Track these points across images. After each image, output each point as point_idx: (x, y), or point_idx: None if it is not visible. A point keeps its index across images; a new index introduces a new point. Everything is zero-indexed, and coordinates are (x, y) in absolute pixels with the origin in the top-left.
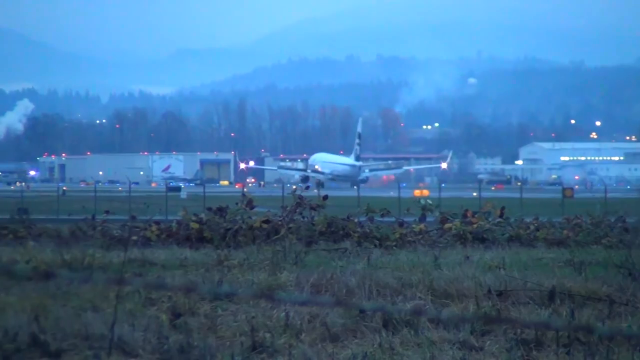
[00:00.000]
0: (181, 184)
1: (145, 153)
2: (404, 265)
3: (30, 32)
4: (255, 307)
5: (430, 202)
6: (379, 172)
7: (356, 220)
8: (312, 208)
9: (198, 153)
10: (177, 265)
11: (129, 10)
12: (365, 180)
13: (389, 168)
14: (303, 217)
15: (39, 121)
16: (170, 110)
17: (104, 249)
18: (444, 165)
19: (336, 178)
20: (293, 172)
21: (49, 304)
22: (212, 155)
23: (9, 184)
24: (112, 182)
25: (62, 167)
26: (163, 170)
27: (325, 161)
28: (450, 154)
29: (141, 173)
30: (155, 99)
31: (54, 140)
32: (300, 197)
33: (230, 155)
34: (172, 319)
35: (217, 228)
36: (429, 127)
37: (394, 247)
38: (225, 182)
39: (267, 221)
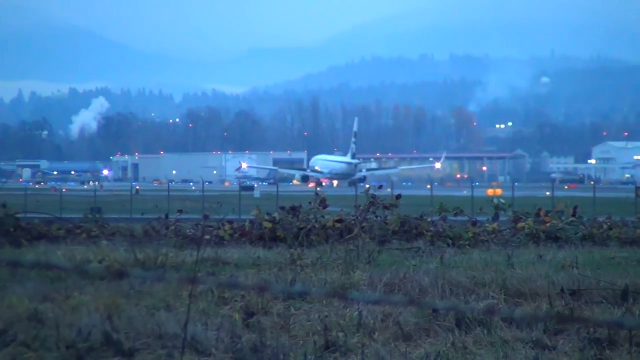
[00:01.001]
0: (254, 183)
1: (218, 152)
2: (477, 264)
3: (106, 31)
4: (328, 306)
5: (503, 201)
6: (375, 172)
7: (429, 219)
8: (385, 207)
9: (271, 152)
10: (250, 264)
11: (203, 9)
12: (363, 180)
13: (385, 168)
14: (376, 217)
15: (112, 120)
16: (243, 110)
17: (177, 248)
18: (437, 165)
19: (334, 177)
20: (294, 172)
21: (122, 303)
22: (285, 155)
23: (82, 183)
24: (185, 181)
25: (135, 166)
26: (236, 170)
27: (324, 160)
28: (443, 155)
29: (214, 172)
30: (229, 98)
31: (127, 139)
32: (374, 197)
33: (303, 154)
34: (245, 318)
35: (290, 227)
36: (502, 126)
37: (467, 246)
38: (297, 182)
39: (340, 220)
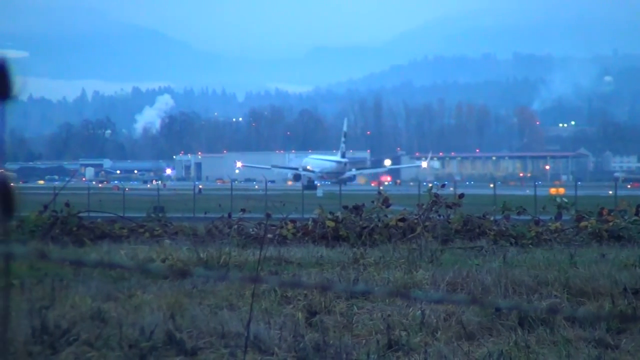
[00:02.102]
0: (317, 182)
1: (281, 151)
2: (539, 263)
3: (170, 31)
4: (391, 305)
5: (565, 200)
6: (364, 171)
7: (492, 218)
8: (448, 206)
9: (334, 151)
10: (313, 263)
11: (267, 8)
12: (352, 179)
13: (373, 167)
14: (439, 216)
15: (175, 119)
16: (306, 109)
17: (239, 247)
18: (424, 164)
19: (325, 175)
20: (286, 171)
21: (185, 302)
22: (347, 154)
23: (145, 182)
24: (248, 180)
25: (198, 165)
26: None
27: (316, 159)
28: (429, 154)
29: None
30: (292, 97)
31: (190, 138)
32: (437, 196)
33: (366, 154)
34: (308, 317)
35: (353, 226)
36: (565, 125)
37: (530, 245)
38: (362, 180)
39: (403, 219)
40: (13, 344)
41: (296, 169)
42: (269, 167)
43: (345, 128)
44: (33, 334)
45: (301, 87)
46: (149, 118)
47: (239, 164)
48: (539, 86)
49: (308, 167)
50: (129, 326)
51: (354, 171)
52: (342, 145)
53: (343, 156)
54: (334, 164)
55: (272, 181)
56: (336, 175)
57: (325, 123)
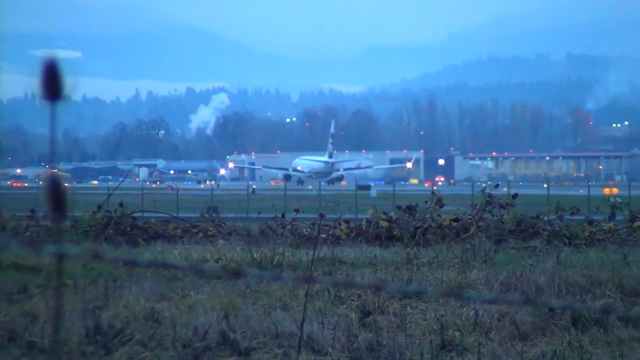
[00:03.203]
0: (371, 183)
1: (335, 151)
2: (593, 263)
3: (223, 31)
4: (445, 305)
5: (619, 200)
6: (352, 171)
7: (545, 218)
8: (501, 206)
9: (387, 151)
10: (367, 263)
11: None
12: (340, 178)
13: (361, 167)
14: (492, 216)
15: (229, 119)
16: (360, 109)
17: (293, 247)
18: (408, 165)
19: (314, 175)
20: (276, 171)
21: (239, 302)
22: (401, 154)
23: (199, 182)
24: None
25: (252, 165)
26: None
27: (305, 160)
28: (414, 156)
29: None
30: (345, 97)
31: (244, 138)
32: (490, 196)
33: (419, 154)
34: (361, 317)
35: (406, 226)
36: (619, 125)
37: (583, 246)
38: (415, 181)
39: (456, 219)
40: (67, 344)
41: (286, 169)
42: (260, 167)
43: (332, 130)
44: (86, 334)
45: (355, 87)
46: (204, 117)
47: (230, 165)
48: (593, 86)
49: (298, 168)
50: (182, 326)
51: (341, 171)
52: (330, 146)
53: (330, 156)
54: (322, 164)
55: None
56: (325, 175)
57: (379, 123)
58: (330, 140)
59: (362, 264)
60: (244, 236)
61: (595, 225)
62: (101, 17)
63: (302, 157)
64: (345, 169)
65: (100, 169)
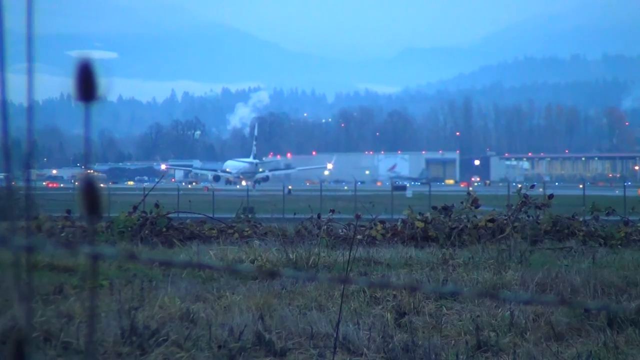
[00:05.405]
0: (407, 183)
1: (371, 152)
2: (628, 264)
3: (260, 32)
4: (480, 306)
5: None
6: (276, 172)
7: (581, 219)
8: (537, 207)
9: (423, 152)
10: (402, 264)
11: (358, 9)
12: (266, 179)
13: (285, 168)
14: (528, 216)
15: (265, 120)
16: (396, 109)
17: (329, 248)
18: (329, 166)
19: (241, 176)
20: (206, 173)
21: (274, 303)
22: (437, 155)
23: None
24: (337, 181)
25: (288, 166)
26: (388, 170)
27: (233, 162)
28: (334, 157)
29: (367, 172)
30: (381, 98)
31: (280, 139)
32: (526, 196)
33: (455, 154)
34: (397, 318)
35: (442, 227)
36: None
37: (619, 246)
38: (451, 181)
39: (492, 220)
40: (102, 345)
41: (215, 170)
42: (190, 169)
43: (256, 132)
44: (122, 334)
45: (391, 87)
46: (243, 115)
47: (174, 168)
48: (629, 86)
49: (227, 170)
50: (218, 327)
51: (267, 172)
52: (254, 147)
53: (255, 158)
54: (247, 165)
55: (362, 182)
56: (250, 176)
57: (415, 124)
58: (254, 142)
59: (398, 265)
60: (280, 237)
61: (631, 226)
62: (137, 17)
63: (231, 160)
64: (270, 170)
65: (136, 169)
